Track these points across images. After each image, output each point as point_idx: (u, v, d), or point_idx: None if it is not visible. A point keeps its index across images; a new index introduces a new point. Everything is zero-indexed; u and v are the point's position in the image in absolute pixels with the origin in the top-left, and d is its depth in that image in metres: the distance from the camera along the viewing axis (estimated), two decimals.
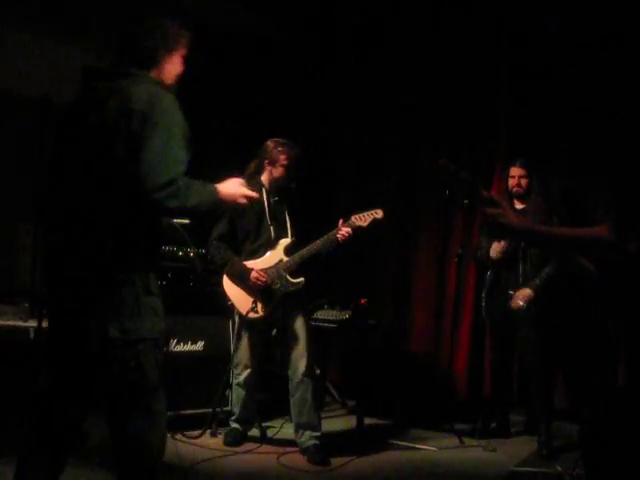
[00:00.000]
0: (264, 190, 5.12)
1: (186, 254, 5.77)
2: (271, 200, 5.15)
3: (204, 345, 5.70)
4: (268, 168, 5.14)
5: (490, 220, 2.53)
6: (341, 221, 5.01)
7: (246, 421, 5.35)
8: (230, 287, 5.13)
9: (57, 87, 5.77)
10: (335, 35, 7.13)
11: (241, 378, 5.25)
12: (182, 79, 3.12)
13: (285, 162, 5.09)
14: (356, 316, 6.12)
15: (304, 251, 5.02)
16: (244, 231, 5.14)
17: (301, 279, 5.06)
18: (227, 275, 5.13)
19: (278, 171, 5.11)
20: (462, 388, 6.62)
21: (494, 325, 5.72)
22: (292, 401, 5.10)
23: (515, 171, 5.60)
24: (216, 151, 6.55)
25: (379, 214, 5.00)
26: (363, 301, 6.12)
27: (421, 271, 7.07)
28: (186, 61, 3.09)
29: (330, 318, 6.02)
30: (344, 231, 4.95)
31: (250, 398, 5.30)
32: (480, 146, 6.72)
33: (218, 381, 5.54)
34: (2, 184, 5.34)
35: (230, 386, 5.44)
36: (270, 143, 5.14)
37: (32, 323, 3.75)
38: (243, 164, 5.27)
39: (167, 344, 5.51)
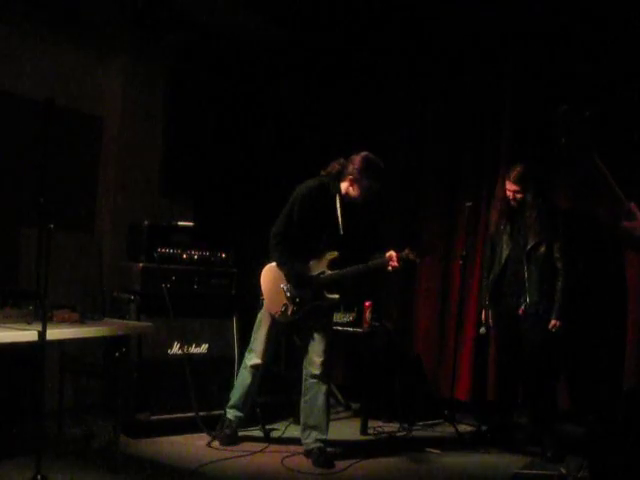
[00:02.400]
0: (338, 198, 5.03)
1: (190, 257, 5.77)
2: (342, 211, 5.02)
3: (208, 347, 5.71)
4: (349, 181, 4.98)
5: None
6: (392, 253, 4.91)
7: (241, 409, 5.31)
8: (267, 284, 5.12)
9: (61, 90, 5.81)
10: (344, 36, 7.11)
11: (250, 362, 5.23)
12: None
13: (363, 190, 4.96)
14: (360, 318, 6.12)
15: (347, 270, 4.98)
16: (304, 231, 5.01)
17: (336, 296, 5.04)
18: (283, 272, 5.02)
19: (355, 191, 4.97)
20: (466, 390, 6.60)
21: (500, 328, 5.71)
22: (302, 401, 5.09)
23: (509, 186, 5.56)
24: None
25: (429, 259, 5.20)
26: (367, 303, 6.12)
27: (425, 273, 7.06)
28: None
29: (335, 320, 6.02)
30: (394, 264, 4.88)
31: (251, 385, 5.27)
32: (484, 147, 6.72)
33: (221, 383, 5.54)
34: (5, 186, 5.35)
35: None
36: (361, 160, 4.95)
37: (37, 326, 3.74)
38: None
39: (170, 346, 5.52)
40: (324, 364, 5.02)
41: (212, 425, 5.40)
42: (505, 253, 5.59)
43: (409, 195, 7.20)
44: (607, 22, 5.97)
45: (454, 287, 6.70)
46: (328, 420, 5.11)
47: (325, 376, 5.05)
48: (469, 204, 6.08)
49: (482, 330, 5.88)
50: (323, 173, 5.12)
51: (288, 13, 6.67)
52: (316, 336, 5.05)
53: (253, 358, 5.23)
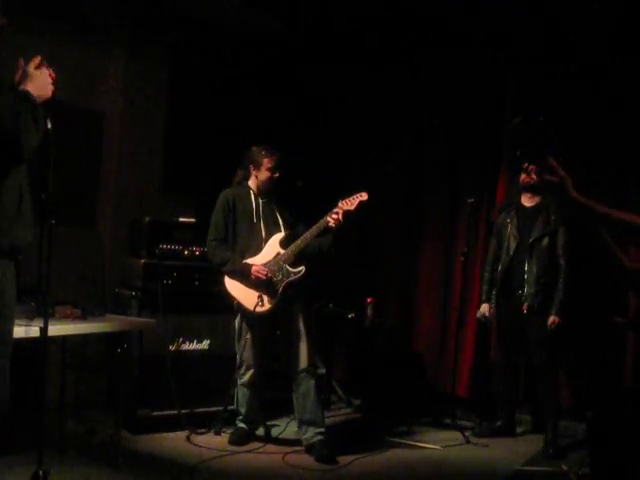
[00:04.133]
0: (252, 193, 5.27)
1: (191, 253, 5.78)
2: (260, 202, 5.25)
3: (209, 344, 5.71)
4: (254, 173, 5.28)
5: (554, 185, 2.56)
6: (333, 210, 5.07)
7: (252, 421, 5.36)
8: (233, 286, 5.15)
9: (62, 86, 5.80)
10: (343, 34, 7.11)
11: (245, 378, 5.26)
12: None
13: (269, 165, 5.22)
14: (362, 315, 6.13)
15: (299, 241, 5.09)
16: (237, 233, 5.21)
17: (302, 267, 5.10)
18: (228, 274, 5.15)
19: (263, 175, 5.23)
20: (467, 387, 6.60)
21: (502, 324, 5.71)
22: (295, 397, 5.11)
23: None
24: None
25: (364, 196, 5.09)
26: (369, 300, 6.13)
27: (426, 270, 7.06)
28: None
29: (336, 317, 6.02)
30: (333, 216, 4.99)
31: (255, 398, 5.31)
32: (485, 148, 6.71)
33: (223, 380, 5.54)
34: None
35: (236, 384, 5.45)
36: (254, 149, 5.30)
37: (39, 322, 3.74)
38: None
39: (173, 343, 5.53)
40: (308, 356, 5.05)
41: (214, 421, 5.42)
42: (513, 245, 5.60)
43: (409, 191, 7.20)
44: (610, 18, 5.97)
45: (455, 283, 6.70)
46: (323, 412, 5.16)
47: (313, 369, 5.07)
48: (471, 200, 6.08)
49: (480, 314, 5.86)
50: (232, 183, 5.43)
51: (287, 7, 6.67)
52: (296, 330, 5.08)
53: (246, 373, 5.25)
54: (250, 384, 5.25)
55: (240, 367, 5.27)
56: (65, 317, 4.29)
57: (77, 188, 6.03)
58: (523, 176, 5.59)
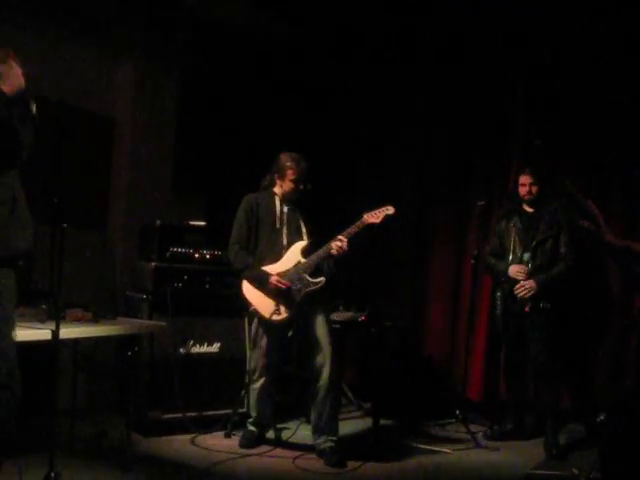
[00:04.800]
0: (277, 199, 5.22)
1: (202, 256, 5.79)
2: (284, 208, 5.21)
3: (220, 347, 5.73)
4: (279, 182, 5.22)
5: (590, 231, 2.63)
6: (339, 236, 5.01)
7: (263, 424, 5.35)
8: (251, 292, 5.11)
9: (73, 90, 5.83)
10: (354, 34, 7.11)
11: (258, 384, 5.23)
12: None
13: (293, 177, 5.15)
14: (372, 318, 6.12)
15: (320, 251, 5.03)
16: (259, 238, 5.17)
17: (321, 278, 5.05)
18: (247, 280, 5.13)
19: (287, 185, 5.17)
20: (478, 390, 6.59)
21: (507, 326, 5.71)
22: (313, 404, 5.10)
23: (525, 179, 5.63)
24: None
25: (390, 210, 5.05)
26: (378, 302, 6.13)
27: (437, 272, 7.06)
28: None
29: (346, 320, 6.02)
30: (337, 243, 4.95)
31: (267, 403, 5.30)
32: (495, 151, 6.71)
33: (234, 382, 5.56)
34: None
35: (247, 387, 5.46)
36: (282, 157, 5.23)
37: (50, 325, 3.76)
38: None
39: (184, 346, 5.54)
40: (332, 366, 5.02)
41: (223, 423, 5.43)
42: (517, 248, 5.60)
43: (419, 194, 7.20)
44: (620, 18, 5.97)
45: (466, 286, 6.69)
46: (338, 422, 5.14)
47: (333, 377, 5.05)
48: (481, 203, 6.07)
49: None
50: (259, 189, 5.37)
51: (298, 10, 6.68)
52: (318, 338, 5.05)
53: (259, 379, 5.23)
54: (263, 389, 5.23)
55: (254, 372, 5.25)
56: (76, 320, 4.31)
57: (88, 192, 6.05)
58: (523, 191, 5.62)
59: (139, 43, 6.43)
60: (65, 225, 3.75)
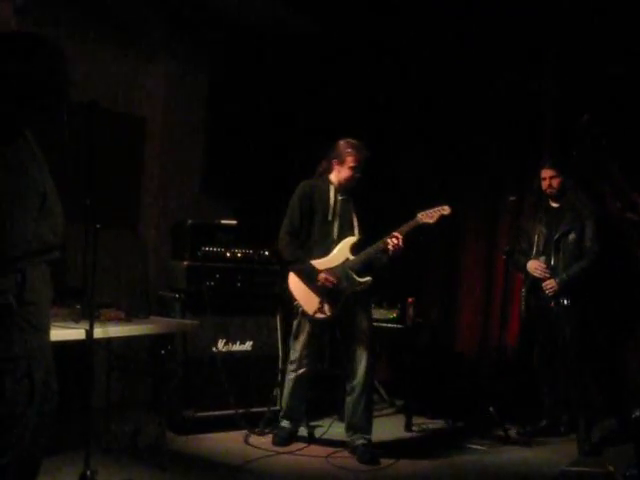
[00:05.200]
0: (332, 188, 5.14)
1: (234, 255, 5.81)
2: (338, 198, 5.13)
3: (252, 345, 5.74)
4: (337, 168, 5.12)
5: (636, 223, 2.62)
6: (395, 232, 4.95)
7: (294, 418, 5.34)
8: (297, 286, 5.11)
9: (104, 91, 5.88)
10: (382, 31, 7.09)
11: (295, 375, 5.21)
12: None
13: (352, 164, 5.04)
14: (404, 314, 6.11)
15: (371, 249, 4.98)
16: (311, 229, 5.12)
17: (368, 278, 5.02)
18: (295, 273, 5.11)
19: (345, 172, 5.07)
20: (510, 387, 6.55)
21: (533, 322, 5.70)
22: (347, 400, 5.10)
23: (545, 173, 5.62)
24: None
25: (446, 210, 5.00)
26: (410, 300, 6.11)
27: (468, 268, 7.04)
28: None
29: (378, 317, 6.01)
30: (393, 240, 4.90)
31: (301, 395, 5.28)
32: (527, 146, 6.67)
33: (266, 381, 5.58)
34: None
35: (280, 385, 5.47)
36: (341, 143, 5.12)
37: (84, 325, 3.80)
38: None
39: (215, 344, 5.57)
40: (368, 364, 5.02)
41: (256, 422, 5.45)
42: (541, 243, 5.61)
43: (451, 189, 7.17)
44: None
45: (497, 282, 6.66)
46: (372, 420, 5.14)
47: (369, 376, 5.05)
48: (512, 198, 6.04)
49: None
50: (315, 175, 5.29)
51: (326, 9, 6.67)
52: (358, 336, 5.04)
53: (296, 370, 5.21)
54: (299, 380, 5.21)
55: (292, 363, 5.24)
56: (110, 319, 4.34)
57: (120, 192, 6.10)
58: (544, 185, 5.59)
59: (169, 45, 6.46)
60: (98, 225, 3.78)
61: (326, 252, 5.08)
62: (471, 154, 7.08)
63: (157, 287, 5.99)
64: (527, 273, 5.68)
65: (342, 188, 5.13)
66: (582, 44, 6.26)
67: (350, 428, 5.08)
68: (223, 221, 5.95)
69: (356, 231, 5.11)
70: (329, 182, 5.16)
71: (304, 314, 5.11)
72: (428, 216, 4.98)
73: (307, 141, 7.05)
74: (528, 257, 5.71)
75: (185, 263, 5.59)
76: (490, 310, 6.80)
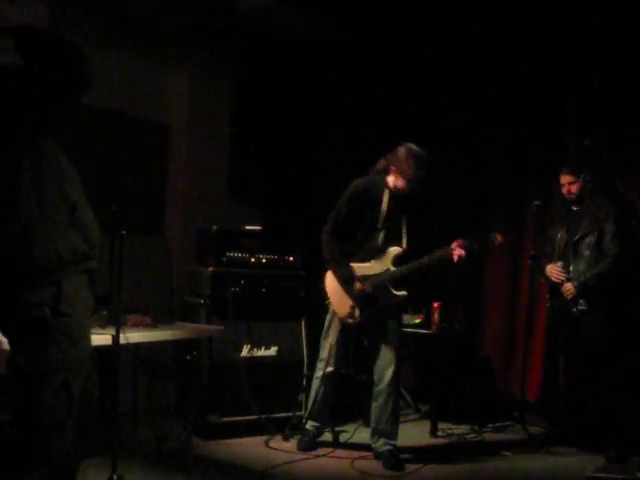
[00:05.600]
0: (387, 193, 5.02)
1: (258, 261, 5.83)
2: (391, 205, 5.02)
3: (277, 350, 5.75)
4: (394, 174, 4.97)
5: None
6: (455, 242, 4.92)
7: (320, 419, 5.33)
8: (332, 287, 5.09)
9: (130, 99, 5.93)
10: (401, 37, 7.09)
11: (322, 372, 5.19)
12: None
13: (411, 177, 4.90)
14: (429, 320, 6.10)
15: (413, 264, 4.95)
16: (357, 229, 5.05)
17: (404, 292, 5.00)
18: (332, 273, 5.08)
19: (401, 182, 4.94)
20: (537, 392, 6.52)
21: (555, 327, 5.67)
22: (373, 406, 5.09)
23: (564, 179, 5.58)
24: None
25: (498, 239, 4.97)
26: (436, 305, 6.10)
27: (494, 274, 7.01)
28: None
29: (403, 322, 6.00)
30: (459, 252, 4.87)
31: (328, 395, 5.26)
32: (551, 144, 6.64)
33: (291, 386, 5.59)
34: None
35: (305, 390, 5.48)
36: (403, 151, 4.94)
37: (111, 330, 3.83)
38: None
39: (241, 349, 5.59)
40: (395, 370, 5.01)
41: (282, 427, 5.46)
42: (561, 248, 5.58)
43: (475, 195, 7.15)
44: None
45: (523, 287, 6.63)
46: (398, 426, 5.12)
47: (395, 382, 5.04)
48: (537, 202, 6.00)
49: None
50: (370, 172, 5.15)
51: (348, 15, 6.68)
52: (386, 340, 5.02)
53: (325, 367, 5.19)
54: (326, 379, 5.19)
55: (320, 361, 5.23)
56: (136, 325, 4.37)
57: (146, 198, 6.14)
58: (564, 190, 5.57)
59: (193, 52, 6.51)
60: (124, 232, 3.81)
61: (368, 257, 5.04)
62: (495, 159, 7.06)
63: (182, 293, 6.02)
64: (547, 277, 5.67)
65: (397, 194, 5.00)
66: (603, 53, 6.23)
67: (375, 434, 5.07)
68: (248, 227, 5.97)
69: (404, 242, 5.05)
70: (384, 185, 5.03)
71: (335, 313, 5.11)
72: (478, 243, 4.97)
73: (332, 146, 7.08)
74: (549, 261, 5.69)
75: (210, 269, 5.62)
76: (516, 315, 6.76)
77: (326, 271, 5.14)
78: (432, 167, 4.97)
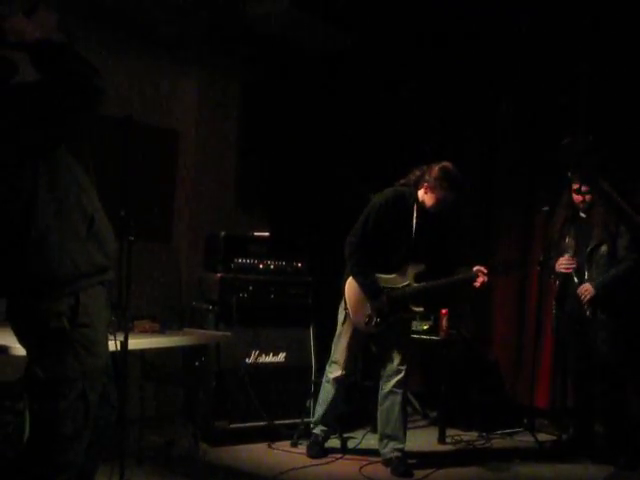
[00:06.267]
0: (416, 207, 4.99)
1: (266, 267, 5.84)
2: (420, 221, 4.99)
3: (285, 356, 5.75)
4: (425, 189, 4.95)
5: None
6: (478, 267, 5.02)
7: (328, 424, 5.32)
8: (352, 292, 5.05)
9: (138, 105, 5.95)
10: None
11: (332, 376, 5.19)
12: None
13: (440, 197, 4.90)
14: (437, 326, 6.09)
15: (435, 283, 5.00)
16: (382, 241, 5.01)
17: (421, 309, 5.07)
18: (358, 284, 5.02)
19: (430, 200, 4.93)
20: (545, 398, 6.51)
21: (569, 335, 5.62)
22: (379, 410, 5.08)
23: (576, 185, 5.49)
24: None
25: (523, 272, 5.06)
26: (444, 311, 6.09)
27: (502, 280, 6.98)
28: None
29: (412, 328, 6.00)
30: (483, 278, 4.95)
31: (337, 399, 5.25)
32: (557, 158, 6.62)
33: (299, 392, 5.58)
34: None
35: (313, 396, 5.47)
36: (440, 169, 4.89)
37: (119, 336, 3.83)
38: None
39: (249, 356, 5.59)
40: (403, 375, 5.01)
41: (290, 433, 5.46)
42: (571, 255, 5.51)
43: (484, 202, 7.15)
44: None
45: (532, 293, 6.61)
46: (405, 429, 5.11)
47: (402, 386, 5.04)
48: (546, 209, 5.99)
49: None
50: (402, 182, 5.12)
51: (358, 22, 6.69)
52: (394, 346, 5.03)
53: (335, 370, 5.18)
54: (336, 382, 5.18)
55: (331, 365, 5.22)
56: (144, 331, 4.38)
57: (154, 204, 6.15)
58: (576, 198, 5.51)
59: (201, 59, 6.52)
60: (132, 238, 3.82)
61: (390, 270, 5.02)
62: (503, 166, 7.05)
63: (190, 299, 6.02)
64: (557, 274, 5.57)
65: (426, 209, 4.98)
66: (615, 58, 6.22)
67: (383, 438, 5.06)
68: (256, 233, 5.98)
69: (425, 259, 5.05)
70: (415, 198, 4.99)
71: (348, 316, 5.11)
72: (494, 270, 5.08)
73: (340, 153, 7.08)
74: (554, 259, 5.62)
75: (218, 275, 5.62)
76: (524, 321, 6.75)
77: (347, 277, 5.08)
78: (464, 192, 4.95)
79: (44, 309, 2.69)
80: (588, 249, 5.41)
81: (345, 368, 5.17)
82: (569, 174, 5.32)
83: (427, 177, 4.92)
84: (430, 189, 4.90)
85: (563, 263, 5.47)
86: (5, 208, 2.65)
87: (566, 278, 5.53)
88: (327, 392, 5.25)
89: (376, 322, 4.98)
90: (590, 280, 5.37)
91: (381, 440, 5.08)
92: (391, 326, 5.02)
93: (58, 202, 2.70)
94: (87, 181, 2.88)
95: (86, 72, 2.65)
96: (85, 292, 2.76)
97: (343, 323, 5.17)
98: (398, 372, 5.00)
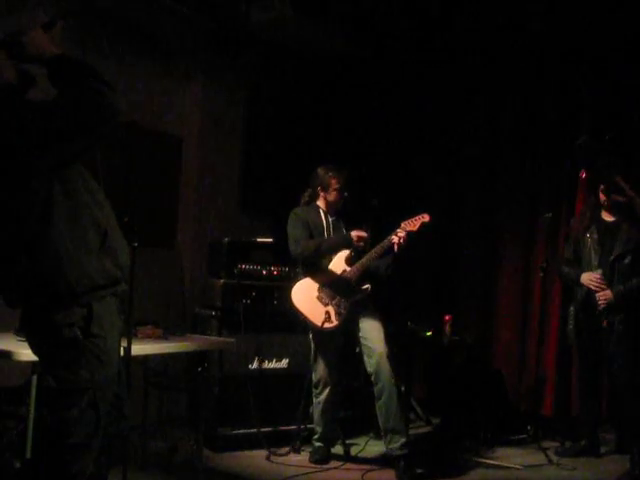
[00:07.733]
0: (321, 212, 5.35)
1: (270, 273, 5.84)
2: (330, 220, 5.34)
3: (288, 363, 5.75)
4: (322, 194, 5.36)
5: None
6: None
7: (329, 439, 5.34)
8: (300, 299, 5.15)
9: (142, 111, 5.96)
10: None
11: (322, 397, 5.24)
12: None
13: (337, 185, 5.29)
14: (440, 333, 6.09)
15: (364, 259, 5.10)
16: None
17: (367, 285, 5.14)
18: (298, 291, 5.18)
19: (332, 195, 5.32)
20: (549, 405, 6.50)
21: (583, 342, 5.57)
22: (377, 405, 5.04)
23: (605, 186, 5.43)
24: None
25: (426, 218, 5.11)
26: (447, 317, 6.09)
27: (505, 286, 6.99)
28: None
29: (414, 335, 6.00)
30: (399, 234, 5.03)
31: (332, 416, 5.29)
32: (563, 156, 6.62)
33: (302, 398, 5.57)
34: None
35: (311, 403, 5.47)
36: (320, 171, 5.37)
37: (122, 342, 3.82)
38: None
39: (253, 362, 5.58)
40: (388, 364, 4.98)
41: (293, 440, 5.45)
42: (595, 261, 5.42)
43: (487, 207, 7.15)
44: None
45: (535, 299, 6.61)
46: (406, 421, 5.11)
47: (392, 374, 5.01)
48: (548, 215, 5.98)
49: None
50: (300, 205, 5.47)
51: (361, 29, 6.70)
52: (371, 337, 5.05)
53: (323, 391, 5.24)
54: (327, 402, 5.23)
55: (316, 386, 5.27)
56: (147, 337, 4.38)
57: (157, 210, 6.16)
58: (602, 196, 5.43)
59: (206, 64, 6.53)
60: (136, 244, 3.82)
61: (323, 268, 5.21)
62: (507, 171, 7.06)
63: (194, 305, 6.02)
64: (581, 286, 5.50)
65: (331, 210, 5.36)
66: (620, 56, 6.21)
67: (386, 433, 5.01)
68: (259, 239, 5.98)
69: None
70: (317, 207, 5.38)
71: (315, 333, 5.19)
72: (410, 224, 5.09)
73: (343, 160, 7.08)
74: (577, 270, 5.54)
75: (221, 281, 5.63)
76: (528, 327, 6.74)
77: (290, 292, 5.20)
78: (347, 173, 5.34)
79: (57, 319, 2.70)
80: (611, 258, 5.35)
81: (330, 383, 5.21)
82: (581, 174, 5.33)
83: (316, 185, 5.38)
84: (326, 188, 5.33)
85: (593, 280, 5.40)
86: (20, 221, 2.67)
87: (588, 290, 5.43)
88: (320, 413, 5.29)
89: (335, 313, 5.04)
90: (610, 287, 5.30)
91: (385, 435, 5.02)
92: (357, 319, 5.10)
93: (72, 216, 2.72)
94: (99, 192, 2.90)
95: (102, 89, 2.66)
96: (98, 303, 2.78)
97: (314, 346, 5.25)
98: (383, 363, 4.96)
